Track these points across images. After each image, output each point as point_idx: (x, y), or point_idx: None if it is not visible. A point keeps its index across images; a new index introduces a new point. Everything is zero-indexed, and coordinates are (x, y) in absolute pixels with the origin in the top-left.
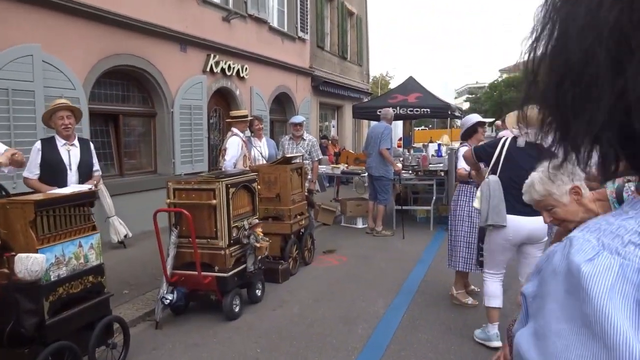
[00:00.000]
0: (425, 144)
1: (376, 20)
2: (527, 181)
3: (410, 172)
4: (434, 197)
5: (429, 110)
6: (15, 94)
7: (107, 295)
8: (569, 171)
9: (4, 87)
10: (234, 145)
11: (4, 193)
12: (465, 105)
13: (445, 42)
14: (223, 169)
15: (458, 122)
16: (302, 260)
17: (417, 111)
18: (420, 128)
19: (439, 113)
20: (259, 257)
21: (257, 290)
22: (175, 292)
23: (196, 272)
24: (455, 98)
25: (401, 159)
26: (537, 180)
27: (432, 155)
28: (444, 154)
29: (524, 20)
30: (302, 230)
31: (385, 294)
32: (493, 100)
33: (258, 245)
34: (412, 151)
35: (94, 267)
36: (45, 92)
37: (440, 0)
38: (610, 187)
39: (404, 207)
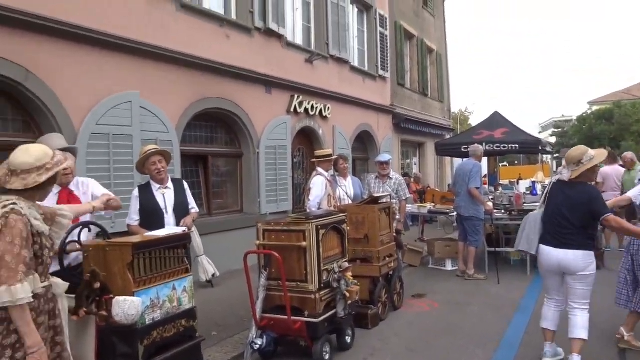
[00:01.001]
0: (513, 181)
1: (455, 56)
2: None
3: (502, 211)
4: None
5: (517, 145)
6: (115, 139)
7: (199, 340)
8: None
9: (106, 132)
10: (318, 184)
11: (103, 234)
12: (552, 140)
13: (525, 78)
14: (307, 209)
15: (547, 157)
16: (391, 304)
17: (504, 147)
18: (502, 165)
19: (529, 148)
20: (349, 302)
21: (347, 337)
22: (264, 337)
23: (286, 317)
24: (540, 132)
25: (491, 197)
26: None
27: (525, 193)
28: (539, 192)
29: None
30: (391, 272)
31: (484, 346)
32: (582, 134)
33: (349, 290)
34: (500, 189)
35: (187, 311)
36: (142, 136)
37: (514, 27)
38: None
39: (497, 249)
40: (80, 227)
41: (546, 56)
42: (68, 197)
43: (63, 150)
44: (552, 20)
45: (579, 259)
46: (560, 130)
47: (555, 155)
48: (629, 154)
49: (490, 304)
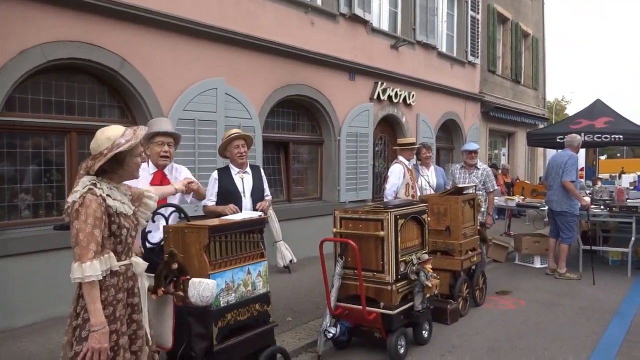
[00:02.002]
0: (614, 174)
1: (554, 41)
2: None
3: (601, 207)
4: (633, 238)
5: (621, 136)
6: (200, 124)
7: (272, 325)
8: None
9: (192, 118)
10: (395, 172)
11: (184, 216)
12: None
13: (634, 63)
14: (384, 197)
15: None
16: (473, 300)
17: (606, 138)
18: (602, 157)
19: (635, 139)
20: (428, 296)
21: (424, 331)
22: (338, 326)
23: (360, 306)
24: None
25: (589, 191)
26: None
27: (628, 188)
28: None
29: None
30: (474, 267)
31: (577, 352)
32: None
33: (428, 283)
34: (599, 183)
35: (261, 295)
36: (226, 122)
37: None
38: None
39: (593, 248)
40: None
41: None
42: (161, 179)
43: (165, 134)
44: None
45: None
46: None
47: None
48: None
49: (583, 307)
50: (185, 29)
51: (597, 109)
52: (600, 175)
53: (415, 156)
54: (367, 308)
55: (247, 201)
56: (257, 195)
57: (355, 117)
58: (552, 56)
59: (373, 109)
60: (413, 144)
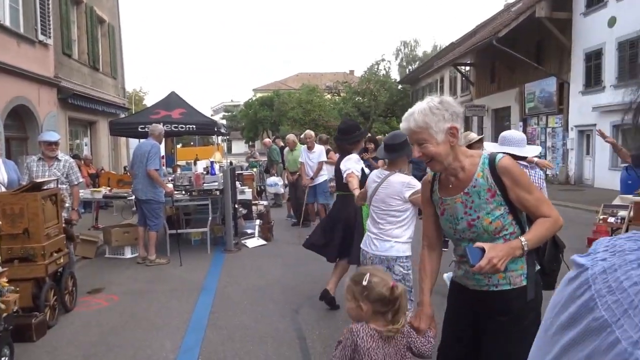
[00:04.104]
0: (190, 161)
1: (129, 31)
2: (410, 110)
3: (183, 192)
4: (210, 218)
5: (194, 126)
6: None
7: None
8: (453, 110)
9: None
10: None
11: None
12: (223, 122)
13: (201, 64)
14: None
15: (219, 139)
16: (62, 306)
17: (182, 127)
18: (178, 145)
19: (205, 129)
20: (5, 315)
21: (2, 359)
22: None
23: None
24: (212, 115)
25: (171, 178)
26: (418, 110)
27: (204, 174)
28: (217, 172)
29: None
30: (61, 269)
31: (172, 335)
32: (249, 118)
33: (3, 300)
34: (179, 170)
35: None
36: None
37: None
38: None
39: (179, 231)
40: None
41: (217, 40)
42: None
43: None
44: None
45: None
46: (230, 114)
47: (227, 137)
48: (291, 136)
49: (174, 289)
50: None
51: (173, 100)
52: (178, 163)
53: None
54: None
55: None
56: None
57: None
58: (130, 47)
59: None
60: None
